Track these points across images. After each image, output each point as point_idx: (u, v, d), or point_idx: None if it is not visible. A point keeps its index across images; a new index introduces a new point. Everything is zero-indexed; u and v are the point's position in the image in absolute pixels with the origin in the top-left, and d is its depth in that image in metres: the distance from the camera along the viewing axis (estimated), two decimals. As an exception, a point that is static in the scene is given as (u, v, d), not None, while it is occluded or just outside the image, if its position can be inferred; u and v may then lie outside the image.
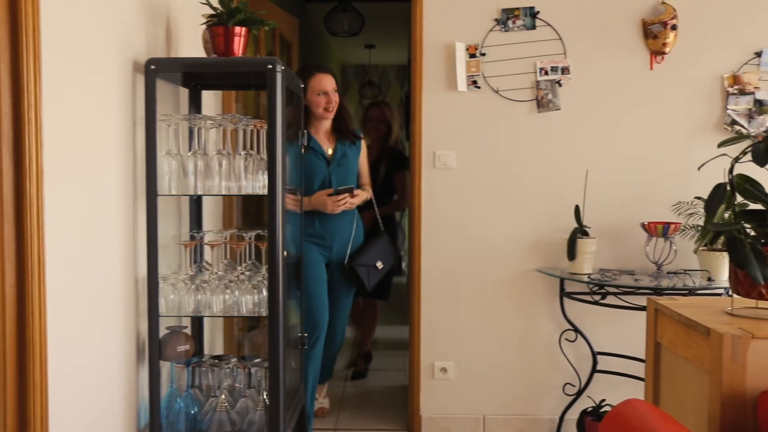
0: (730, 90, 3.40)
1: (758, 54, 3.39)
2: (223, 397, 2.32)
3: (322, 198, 3.30)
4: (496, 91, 3.45)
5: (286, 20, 4.47)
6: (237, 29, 2.25)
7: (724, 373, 1.43)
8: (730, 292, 1.71)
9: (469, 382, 3.55)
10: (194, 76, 2.48)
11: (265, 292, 2.27)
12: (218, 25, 2.25)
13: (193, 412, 2.29)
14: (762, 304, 1.66)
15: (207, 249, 2.50)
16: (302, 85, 3.03)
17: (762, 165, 1.58)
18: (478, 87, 3.45)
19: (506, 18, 3.43)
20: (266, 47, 4.10)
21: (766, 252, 1.56)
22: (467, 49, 3.44)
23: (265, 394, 2.32)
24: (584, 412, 3.24)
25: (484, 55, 3.44)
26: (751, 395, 1.42)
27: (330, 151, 3.45)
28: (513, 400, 3.54)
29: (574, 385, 3.44)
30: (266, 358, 2.28)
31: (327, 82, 3.35)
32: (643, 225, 3.23)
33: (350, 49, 8.23)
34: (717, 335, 1.45)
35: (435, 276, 3.52)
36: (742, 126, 3.39)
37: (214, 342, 3.04)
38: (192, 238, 2.47)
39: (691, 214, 3.29)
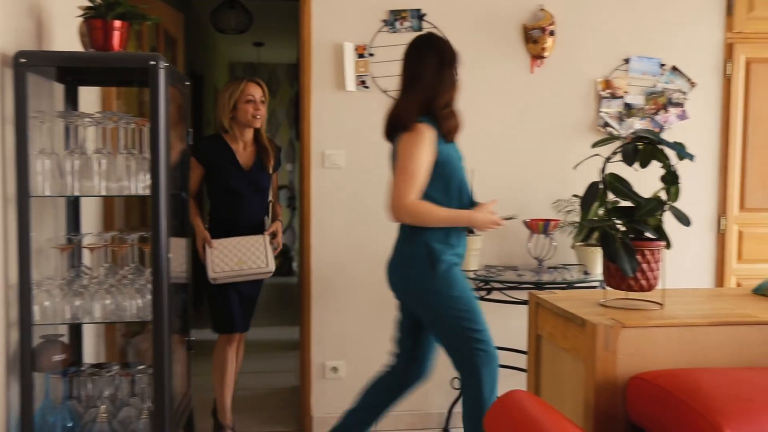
0: (603, 94, 3.59)
1: (627, 61, 3.61)
2: (104, 407, 2.22)
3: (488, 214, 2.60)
4: (385, 92, 3.48)
5: (171, 15, 4.33)
6: (116, 23, 2.16)
7: (597, 361, 1.51)
8: (604, 285, 1.80)
9: (360, 381, 3.54)
10: (70, 71, 2.36)
11: (149, 296, 2.20)
12: (96, 18, 2.15)
13: (69, 425, 2.18)
14: (631, 295, 1.77)
15: (86, 252, 2.38)
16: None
17: (630, 164, 1.68)
18: (367, 87, 3.48)
19: (394, 19, 3.48)
20: (149, 43, 3.96)
21: (635, 246, 1.66)
22: (356, 49, 3.46)
23: (150, 401, 2.24)
24: (472, 405, 3.33)
25: (372, 55, 3.47)
26: (621, 381, 1.51)
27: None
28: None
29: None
30: (151, 365, 2.20)
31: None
32: (525, 222, 3.35)
33: (238, 46, 8.07)
34: (591, 326, 1.53)
35: (325, 276, 3.52)
36: (613, 128, 3.60)
37: (94, 350, 2.90)
38: (69, 241, 2.35)
39: (569, 211, 3.46)
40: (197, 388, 3.76)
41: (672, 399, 1.32)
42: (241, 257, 3.18)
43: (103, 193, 2.22)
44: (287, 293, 7.40)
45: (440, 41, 2.58)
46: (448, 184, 2.49)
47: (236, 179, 3.24)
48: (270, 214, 3.37)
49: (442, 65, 2.49)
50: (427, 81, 2.47)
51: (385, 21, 3.47)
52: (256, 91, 3.26)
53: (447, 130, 2.46)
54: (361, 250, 3.53)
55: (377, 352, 3.56)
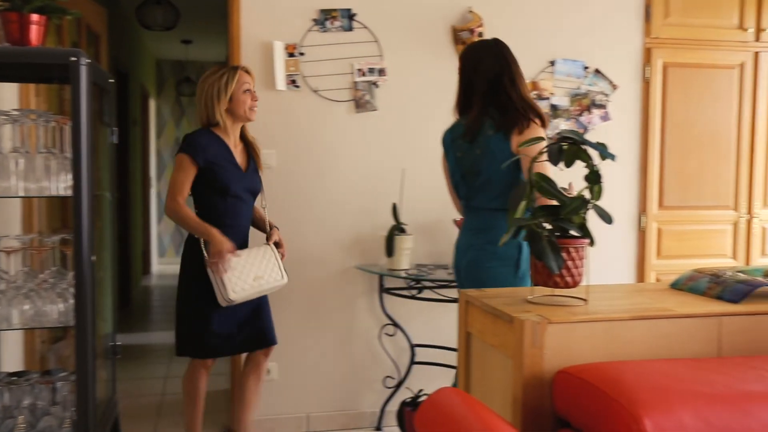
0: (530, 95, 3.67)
1: (552, 63, 3.70)
2: (22, 417, 2.13)
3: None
4: (315, 91, 3.47)
5: (94, 10, 4.20)
6: (34, 17, 2.07)
7: (525, 357, 1.54)
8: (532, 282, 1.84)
9: (292, 382, 3.55)
10: (-16, 67, 2.25)
11: (71, 300, 2.12)
12: (11, 11, 2.07)
13: (-16, 436, 2.09)
14: (557, 291, 1.81)
15: (2, 256, 2.28)
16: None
17: (556, 164, 1.72)
18: (298, 86, 3.45)
19: (324, 18, 3.46)
20: (70, 38, 3.82)
21: (561, 244, 1.70)
22: (286, 48, 3.43)
23: (72, 409, 2.17)
24: (403, 403, 3.35)
25: (303, 54, 3.45)
26: (548, 375, 1.55)
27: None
28: (336, 397, 3.59)
29: (393, 378, 3.55)
30: (74, 371, 2.13)
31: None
32: (455, 221, 3.40)
33: (166, 43, 7.89)
34: (519, 322, 1.56)
35: (256, 277, 3.47)
36: (540, 129, 3.68)
37: (12, 358, 2.78)
38: (-16, 244, 2.25)
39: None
40: (125, 394, 3.67)
41: (595, 391, 1.36)
42: (256, 272, 2.80)
43: (21, 193, 2.13)
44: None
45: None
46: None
47: (236, 182, 2.84)
48: (267, 221, 3.01)
49: None
50: None
51: (315, 20, 3.46)
52: (251, 81, 2.91)
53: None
54: (292, 250, 3.49)
55: (310, 352, 3.55)
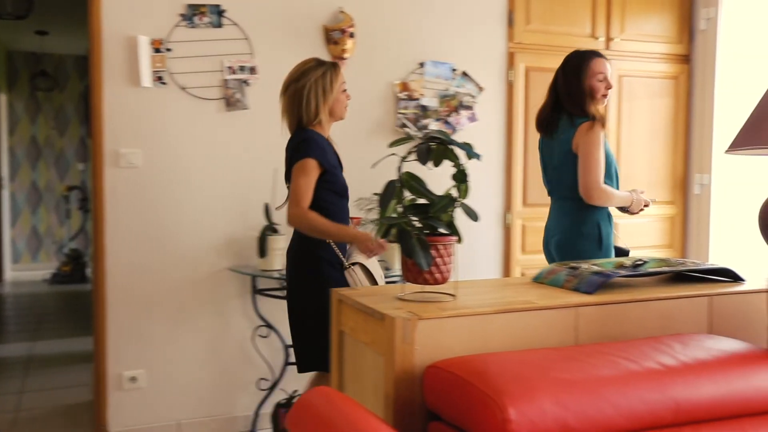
0: (400, 96, 3.74)
1: (422, 65, 3.79)
2: None
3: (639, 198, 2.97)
4: (184, 89, 3.37)
5: (-67, -4, 3.86)
6: None
7: (396, 353, 1.57)
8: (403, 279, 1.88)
9: (162, 389, 3.42)
10: None
11: None
12: None
13: None
14: (427, 288, 1.86)
15: None
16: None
17: (424, 163, 1.77)
18: (165, 83, 3.34)
19: (192, 14, 3.37)
20: None
21: (430, 241, 1.74)
22: (152, 44, 3.31)
23: None
24: (278, 405, 3.33)
25: (170, 50, 3.34)
26: (418, 371, 1.58)
27: None
28: (208, 402, 3.50)
29: (267, 380, 3.51)
30: None
31: (606, 66, 2.97)
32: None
33: (18, 34, 7.38)
34: (390, 319, 1.58)
35: (122, 281, 3.33)
36: (410, 128, 3.76)
37: None
38: None
39: (370, 209, 3.56)
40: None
41: (463, 383, 1.41)
42: (380, 272, 2.70)
43: None
44: (80, 301, 6.90)
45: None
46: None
47: (344, 182, 2.76)
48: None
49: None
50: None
51: (182, 15, 3.35)
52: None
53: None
54: (160, 253, 3.38)
55: (180, 358, 3.44)
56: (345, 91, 2.76)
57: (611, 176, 2.95)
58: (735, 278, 2.05)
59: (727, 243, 4.26)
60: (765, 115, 2.04)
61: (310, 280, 2.64)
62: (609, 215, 2.97)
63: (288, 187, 2.72)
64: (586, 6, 4.11)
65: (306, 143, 2.60)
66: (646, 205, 2.99)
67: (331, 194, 2.68)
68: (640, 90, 4.28)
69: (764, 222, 2.11)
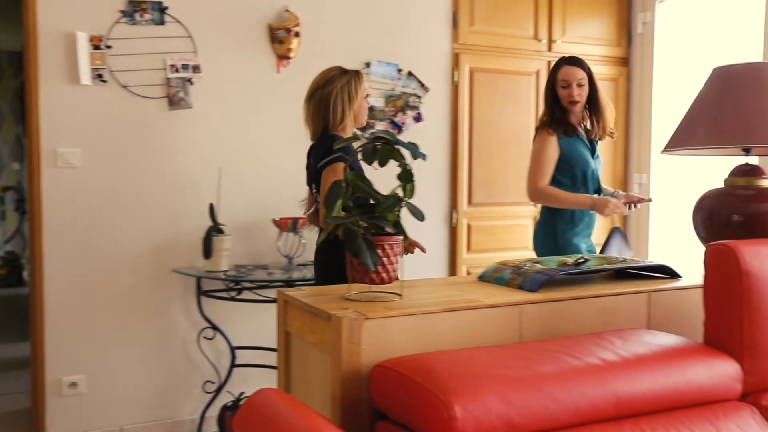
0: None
1: (368, 65, 3.79)
2: None
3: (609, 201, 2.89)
4: (125, 87, 3.30)
5: None
6: None
7: (343, 353, 1.56)
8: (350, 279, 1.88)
9: (104, 395, 3.34)
10: None
11: None
12: None
13: None
14: (374, 287, 1.86)
15: None
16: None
17: (370, 163, 1.77)
18: (105, 81, 3.26)
19: (133, 10, 3.29)
20: None
21: (376, 241, 1.74)
22: (91, 40, 3.22)
23: None
24: (224, 407, 3.28)
25: (110, 47, 3.26)
26: (365, 370, 1.58)
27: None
28: (153, 406, 3.43)
29: (214, 383, 3.46)
30: None
31: (572, 73, 3.01)
32: (274, 221, 3.38)
33: (-53, 29, 7.09)
34: (336, 319, 1.58)
35: (61, 284, 3.23)
36: (355, 129, 3.75)
37: None
38: None
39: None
40: None
41: (409, 382, 1.41)
42: None
43: None
44: (16, 305, 6.68)
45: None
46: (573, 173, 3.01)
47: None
48: None
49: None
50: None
51: (123, 12, 3.28)
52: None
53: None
54: (101, 255, 3.30)
55: (123, 362, 3.37)
56: (367, 97, 2.86)
57: (575, 178, 3.01)
58: (672, 275, 2.11)
59: (665, 240, 4.39)
60: (697, 117, 2.11)
61: (326, 273, 2.73)
62: (573, 216, 3.01)
63: (313, 192, 2.83)
64: (528, 8, 4.18)
65: (346, 146, 2.62)
66: (634, 205, 2.97)
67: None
68: (581, 91, 4.37)
69: (697, 220, 2.19)
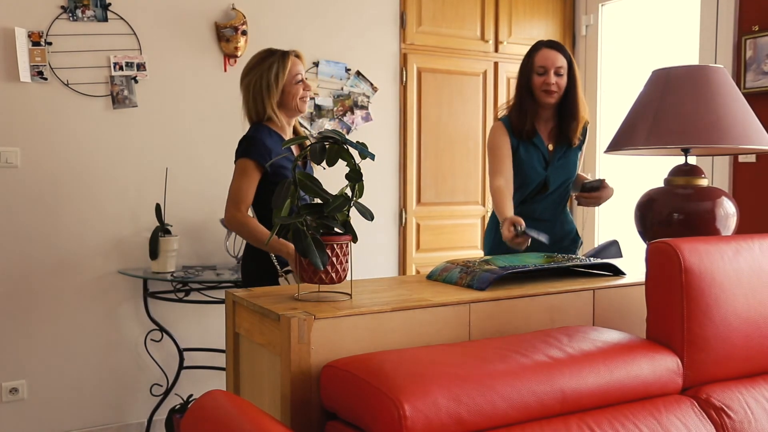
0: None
1: (316, 64, 3.78)
2: None
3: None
4: (66, 84, 3.21)
5: None
6: None
7: (292, 353, 1.55)
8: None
9: (46, 400, 3.25)
10: None
11: None
12: None
13: None
14: (323, 287, 1.85)
15: None
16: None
17: (318, 163, 1.76)
18: (45, 78, 3.17)
19: (74, 6, 3.21)
20: None
21: (325, 241, 1.74)
22: (30, 36, 3.13)
23: None
24: (173, 410, 3.23)
25: (50, 44, 3.17)
26: (315, 371, 1.58)
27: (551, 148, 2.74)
28: (98, 410, 3.35)
29: (161, 385, 3.40)
30: None
31: (551, 58, 2.64)
32: (222, 221, 3.34)
33: None
34: (285, 320, 1.57)
35: (1, 287, 3.13)
36: (306, 128, 3.74)
37: None
38: None
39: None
40: None
41: (359, 382, 1.41)
42: None
43: None
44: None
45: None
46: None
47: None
48: None
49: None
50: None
51: (63, 7, 3.19)
52: (302, 68, 2.59)
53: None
54: (43, 257, 3.21)
55: (66, 366, 3.28)
56: (300, 82, 2.57)
57: (524, 186, 2.75)
58: (616, 272, 2.16)
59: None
60: (638, 118, 2.16)
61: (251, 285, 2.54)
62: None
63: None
64: (475, 10, 4.23)
65: (245, 141, 2.48)
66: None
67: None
68: (528, 92, 4.44)
69: (639, 219, 2.25)
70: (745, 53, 3.55)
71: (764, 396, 1.73)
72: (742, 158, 3.61)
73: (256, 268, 2.55)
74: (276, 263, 2.53)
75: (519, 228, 2.35)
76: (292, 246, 2.31)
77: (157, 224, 3.23)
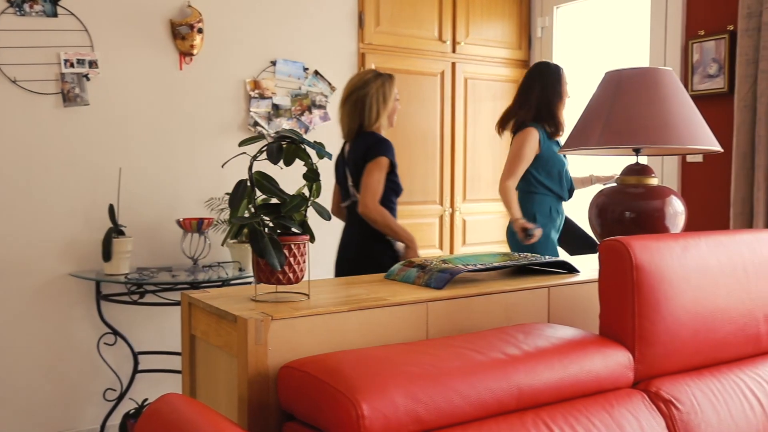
0: (252, 94, 3.69)
1: (273, 63, 3.75)
2: None
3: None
4: (14, 81, 3.13)
5: None
6: None
7: (249, 355, 1.54)
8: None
9: (-6, 407, 3.16)
10: None
11: None
12: None
13: None
14: (281, 288, 1.85)
15: None
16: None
17: (275, 163, 1.75)
18: (-8, 75, 3.08)
19: (22, 1, 3.13)
20: None
21: (282, 241, 1.73)
22: (-25, 32, 3.04)
23: None
24: (127, 415, 3.18)
25: (-4, 40, 3.09)
26: (272, 372, 1.57)
27: None
28: (50, 417, 3.28)
29: (115, 390, 3.34)
30: None
31: None
32: (178, 221, 3.29)
33: None
34: (242, 321, 1.56)
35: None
36: (263, 127, 3.72)
37: None
38: None
39: (222, 209, 3.48)
40: None
41: (316, 382, 1.41)
42: None
43: None
44: None
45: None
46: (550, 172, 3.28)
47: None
48: None
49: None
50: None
51: (10, 2, 3.11)
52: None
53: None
54: (-10, 260, 3.12)
55: (16, 371, 3.20)
56: (397, 100, 3.06)
57: (552, 176, 3.30)
58: (571, 270, 2.20)
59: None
60: (592, 119, 2.20)
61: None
62: (550, 210, 3.34)
63: (350, 185, 2.94)
64: (432, 10, 4.25)
65: (382, 143, 2.86)
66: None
67: (391, 193, 2.94)
68: (483, 92, 4.49)
69: (593, 217, 2.29)
70: (692, 57, 3.64)
71: (710, 388, 1.78)
72: (689, 158, 3.70)
73: (377, 253, 2.89)
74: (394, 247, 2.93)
75: (529, 230, 3.08)
76: (410, 233, 2.90)
77: (111, 225, 3.17)
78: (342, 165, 3.00)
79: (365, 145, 2.87)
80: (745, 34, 3.30)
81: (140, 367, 3.34)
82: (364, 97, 2.93)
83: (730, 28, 3.49)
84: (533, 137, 3.22)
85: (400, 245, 2.92)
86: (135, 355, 3.32)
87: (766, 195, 3.21)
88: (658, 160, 3.82)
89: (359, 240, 2.94)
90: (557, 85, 3.30)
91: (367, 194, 2.82)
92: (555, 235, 3.33)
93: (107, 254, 3.13)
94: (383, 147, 2.86)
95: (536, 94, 3.28)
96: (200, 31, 3.49)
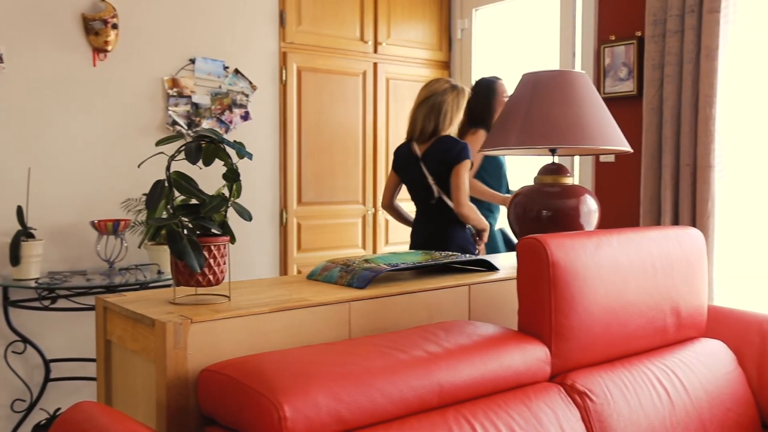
0: (171, 92, 3.60)
1: (192, 61, 3.68)
2: None
3: None
4: None
5: None
6: None
7: (168, 359, 1.51)
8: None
9: None
10: None
11: None
12: None
13: None
14: (201, 290, 1.81)
15: None
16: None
17: (194, 162, 1.71)
18: None
19: None
20: None
21: (202, 242, 1.70)
22: None
23: None
24: (37, 426, 3.05)
25: None
26: (192, 376, 1.54)
27: None
28: (-47, 431, 3.11)
29: (24, 400, 3.20)
30: None
31: None
32: (92, 223, 3.18)
33: None
34: (160, 324, 1.52)
35: None
36: (182, 126, 3.63)
37: None
38: None
39: (139, 211, 3.38)
40: None
41: (237, 385, 1.39)
42: None
43: None
44: None
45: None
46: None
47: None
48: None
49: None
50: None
51: None
52: None
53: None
54: None
55: None
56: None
57: (500, 178, 3.71)
58: (490, 268, 2.25)
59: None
60: (510, 119, 2.26)
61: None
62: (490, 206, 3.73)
63: (431, 183, 3.15)
64: (354, 11, 4.26)
65: (467, 148, 3.13)
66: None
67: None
68: (405, 92, 4.53)
69: (512, 216, 2.35)
70: (604, 60, 3.78)
71: (621, 379, 1.86)
72: (602, 158, 3.84)
73: (464, 240, 3.18)
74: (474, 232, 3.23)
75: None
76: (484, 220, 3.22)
77: (19, 228, 3.03)
78: (415, 164, 3.18)
79: (451, 148, 3.12)
80: (651, 40, 3.45)
81: (52, 376, 3.20)
82: (441, 104, 3.18)
83: (638, 33, 3.64)
84: (478, 143, 3.52)
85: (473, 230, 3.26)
86: (46, 363, 3.18)
87: (673, 194, 3.37)
88: (574, 159, 3.94)
89: (449, 230, 3.19)
90: (492, 98, 3.67)
91: (460, 193, 3.09)
92: (496, 226, 3.73)
93: (15, 258, 2.99)
94: (468, 151, 3.13)
95: (478, 109, 3.64)
96: (115, 26, 3.39)
